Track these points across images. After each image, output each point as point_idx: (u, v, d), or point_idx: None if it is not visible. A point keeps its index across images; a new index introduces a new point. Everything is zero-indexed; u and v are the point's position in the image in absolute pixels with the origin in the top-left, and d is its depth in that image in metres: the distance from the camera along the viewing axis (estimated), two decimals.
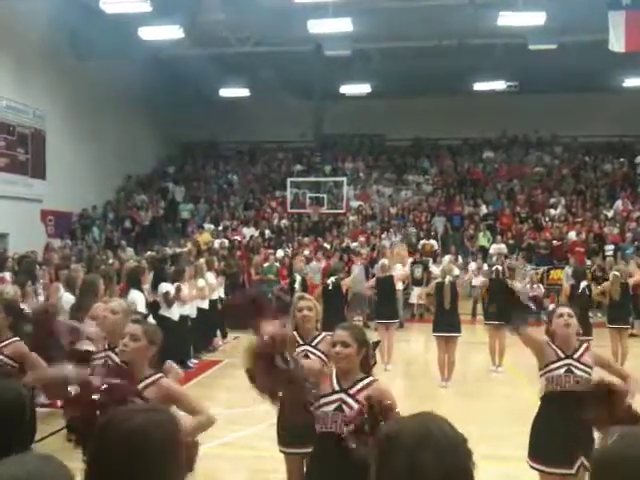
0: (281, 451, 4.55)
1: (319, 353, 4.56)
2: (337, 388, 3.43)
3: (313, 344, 4.61)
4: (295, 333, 4.64)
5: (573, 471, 4.05)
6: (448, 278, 9.96)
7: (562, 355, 4.22)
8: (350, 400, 3.36)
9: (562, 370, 4.17)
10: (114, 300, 4.86)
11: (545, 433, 4.15)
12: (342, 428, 3.26)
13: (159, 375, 3.53)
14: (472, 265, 16.80)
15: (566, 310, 4.33)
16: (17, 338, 4.77)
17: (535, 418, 4.28)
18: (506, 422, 7.22)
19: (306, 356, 4.52)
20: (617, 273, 10.85)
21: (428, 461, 1.52)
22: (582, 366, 4.19)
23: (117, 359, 4.14)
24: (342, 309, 10.56)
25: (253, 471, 6.30)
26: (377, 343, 3.64)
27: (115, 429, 1.66)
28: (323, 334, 4.70)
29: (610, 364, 4.52)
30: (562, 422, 4.06)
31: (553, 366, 4.20)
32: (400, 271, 15.38)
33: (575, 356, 4.22)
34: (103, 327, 4.50)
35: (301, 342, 4.61)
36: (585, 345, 4.35)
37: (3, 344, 4.71)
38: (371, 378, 3.46)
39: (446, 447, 1.55)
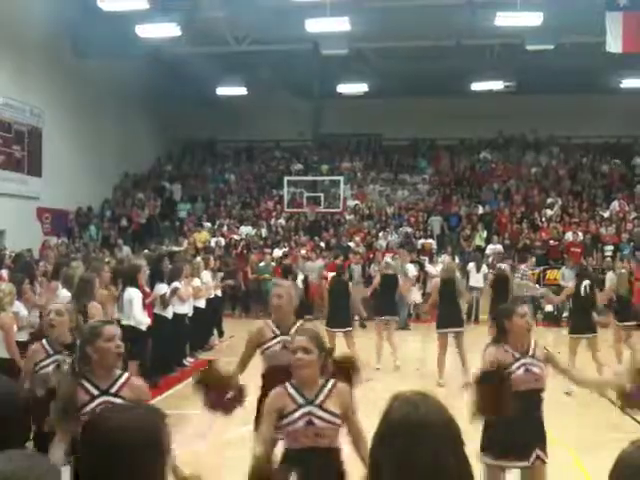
0: None
1: None
2: (301, 401, 3.25)
3: (290, 334, 4.38)
4: (271, 322, 4.58)
5: (529, 463, 4.14)
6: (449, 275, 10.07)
7: (517, 355, 4.25)
8: (319, 411, 3.22)
9: (521, 370, 4.20)
10: (57, 302, 4.79)
11: (503, 429, 4.11)
12: (316, 441, 3.17)
13: (127, 374, 3.51)
14: (484, 268, 16.68)
15: (525, 310, 4.34)
16: None
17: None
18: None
19: (284, 347, 4.34)
20: (623, 271, 11.03)
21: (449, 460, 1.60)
22: (537, 362, 4.24)
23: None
24: (347, 307, 10.52)
25: None
26: (331, 350, 3.52)
27: (96, 428, 1.67)
28: (299, 322, 4.58)
29: (556, 360, 4.51)
30: (520, 417, 4.02)
31: (512, 368, 4.18)
32: (412, 272, 15.47)
33: (530, 354, 4.27)
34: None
35: (278, 332, 4.50)
36: (534, 340, 4.38)
37: None
38: (332, 381, 3.32)
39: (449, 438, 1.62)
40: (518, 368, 4.20)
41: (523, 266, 16.01)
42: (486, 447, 4.20)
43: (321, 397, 3.25)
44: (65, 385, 3.39)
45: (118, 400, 3.24)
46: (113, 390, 3.34)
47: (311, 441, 3.19)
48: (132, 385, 3.41)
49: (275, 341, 4.47)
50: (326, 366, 3.35)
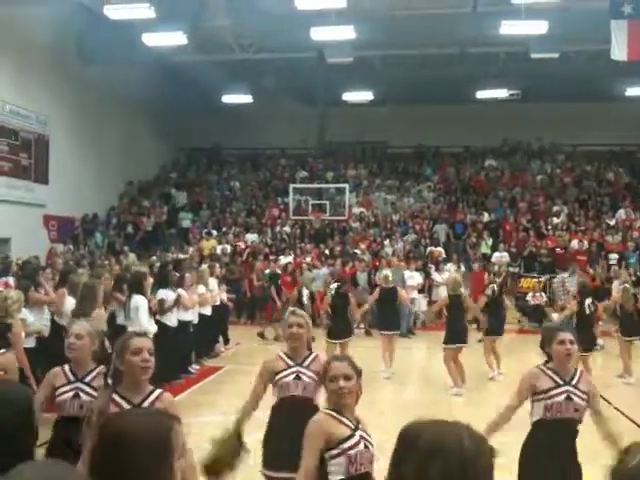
0: (268, 475, 4.34)
1: (311, 374, 4.28)
2: (353, 426, 3.18)
3: (304, 365, 4.33)
4: (283, 353, 4.43)
5: None
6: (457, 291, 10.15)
7: (560, 381, 4.11)
8: (366, 435, 3.21)
9: (562, 397, 4.06)
10: (79, 323, 4.55)
11: (540, 461, 4.06)
12: (369, 466, 3.14)
13: (160, 390, 3.43)
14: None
15: (568, 336, 4.16)
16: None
17: (527, 445, 4.18)
18: (511, 431, 7.19)
19: (297, 378, 4.27)
20: (627, 286, 11.13)
21: (435, 474, 1.52)
22: (580, 393, 4.09)
23: (90, 390, 4.02)
24: (348, 317, 10.64)
25: (256, 477, 6.26)
26: (360, 372, 3.44)
27: (106, 430, 1.71)
28: (314, 354, 4.42)
29: (596, 394, 4.32)
30: (558, 449, 4.03)
31: (552, 392, 4.08)
32: (414, 281, 15.43)
33: (573, 382, 4.12)
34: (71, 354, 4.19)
35: (291, 363, 4.33)
36: (580, 369, 4.28)
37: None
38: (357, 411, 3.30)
39: (457, 463, 1.53)
40: (559, 394, 4.07)
41: (565, 274, 16.06)
42: (521, 476, 4.13)
43: (361, 424, 3.25)
44: (99, 400, 3.37)
45: None
46: (145, 405, 3.27)
47: (369, 465, 3.15)
48: (164, 400, 3.35)
49: (288, 371, 4.31)
50: (359, 392, 3.31)
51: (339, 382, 3.18)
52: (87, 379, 4.08)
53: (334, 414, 3.19)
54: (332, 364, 3.31)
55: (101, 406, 3.27)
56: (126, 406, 3.23)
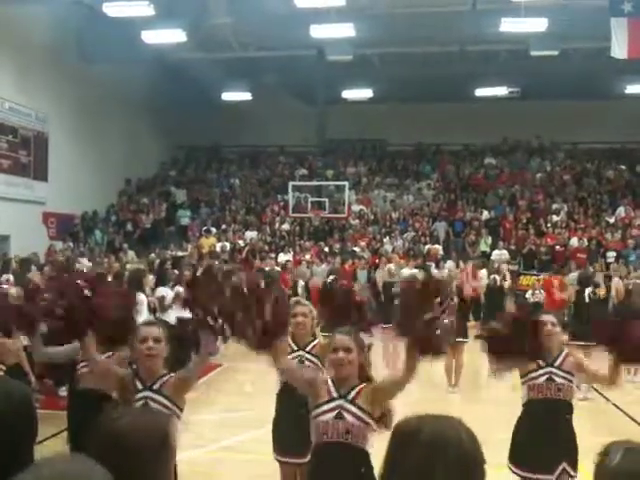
0: (276, 459, 4.56)
1: (313, 358, 4.54)
2: (335, 395, 3.31)
3: (307, 349, 4.59)
4: (289, 339, 4.59)
5: (553, 477, 4.09)
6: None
7: (542, 363, 4.22)
8: (350, 406, 3.26)
9: (543, 378, 4.20)
10: None
11: (527, 439, 4.18)
12: (344, 436, 3.19)
13: (171, 374, 3.62)
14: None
15: (549, 319, 4.31)
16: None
17: (517, 424, 4.32)
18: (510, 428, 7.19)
19: (300, 362, 4.50)
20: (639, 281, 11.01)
21: (437, 470, 1.52)
22: (563, 373, 4.21)
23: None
24: None
25: (253, 476, 6.27)
26: (370, 346, 3.56)
27: (102, 430, 1.69)
28: (317, 340, 4.68)
29: (587, 367, 4.51)
30: (544, 428, 4.11)
31: (534, 374, 4.22)
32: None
33: (556, 364, 4.23)
34: None
35: (295, 348, 4.58)
36: (565, 352, 4.35)
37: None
38: (364, 384, 3.36)
39: (457, 459, 1.53)
40: (540, 376, 4.20)
41: (576, 274, 16.00)
42: (513, 458, 4.22)
43: (353, 393, 3.31)
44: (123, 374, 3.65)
45: (159, 397, 3.43)
46: (155, 387, 3.50)
47: (340, 437, 3.21)
48: (172, 382, 3.54)
49: (292, 356, 4.50)
50: (365, 364, 3.40)
51: (339, 353, 3.32)
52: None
53: (329, 380, 3.37)
54: (336, 336, 3.44)
55: (125, 380, 3.55)
56: (140, 386, 3.51)
